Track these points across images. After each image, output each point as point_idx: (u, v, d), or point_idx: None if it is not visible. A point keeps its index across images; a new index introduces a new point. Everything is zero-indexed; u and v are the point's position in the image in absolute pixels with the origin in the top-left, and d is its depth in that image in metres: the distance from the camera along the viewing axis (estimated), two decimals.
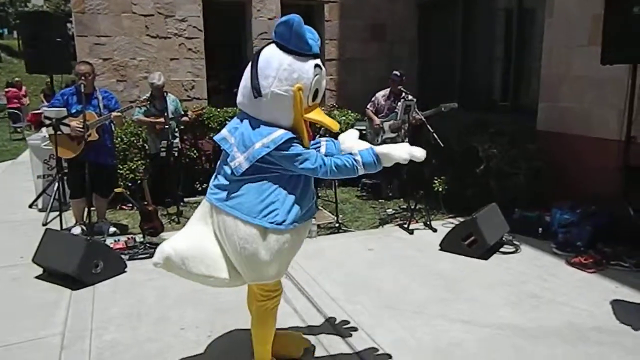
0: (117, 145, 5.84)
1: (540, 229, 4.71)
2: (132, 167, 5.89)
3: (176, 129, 5.80)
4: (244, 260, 2.24)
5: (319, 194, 6.38)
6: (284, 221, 2.20)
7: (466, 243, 4.28)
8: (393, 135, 5.91)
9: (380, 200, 6.20)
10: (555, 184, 5.13)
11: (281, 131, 2.16)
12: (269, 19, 7.38)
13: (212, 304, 3.34)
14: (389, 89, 6.05)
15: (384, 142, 5.97)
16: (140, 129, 5.99)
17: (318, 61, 2.20)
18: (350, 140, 2.48)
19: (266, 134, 2.16)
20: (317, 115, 2.26)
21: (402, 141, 5.93)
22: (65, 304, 3.44)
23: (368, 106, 6.16)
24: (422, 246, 4.58)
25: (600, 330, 3.05)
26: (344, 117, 7.13)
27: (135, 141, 6.00)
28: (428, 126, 5.27)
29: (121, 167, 5.85)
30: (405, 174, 5.99)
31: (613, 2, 4.05)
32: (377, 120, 5.97)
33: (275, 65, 2.13)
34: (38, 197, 5.90)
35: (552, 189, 5.13)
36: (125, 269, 3.93)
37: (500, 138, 5.43)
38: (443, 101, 6.87)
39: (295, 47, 2.13)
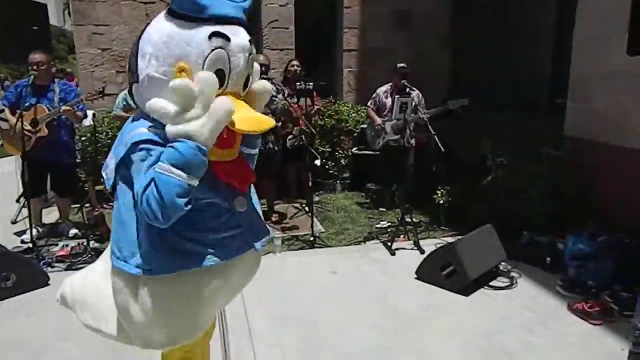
0: (101, 141, 5.58)
1: (548, 259, 3.82)
2: None
3: None
4: (120, 316, 1.66)
5: (318, 200, 5.80)
6: (153, 265, 1.53)
7: (444, 273, 3.52)
8: (396, 136, 5.16)
9: (381, 209, 5.49)
10: (580, 204, 4.19)
11: (143, 129, 1.48)
12: (281, 5, 6.84)
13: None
14: (390, 84, 5.30)
15: (386, 144, 5.26)
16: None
17: (223, 28, 1.45)
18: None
19: (130, 130, 1.51)
20: None
21: (407, 144, 5.20)
22: None
23: (368, 104, 5.46)
24: (399, 272, 3.85)
25: None
26: (354, 114, 6.45)
27: None
28: (430, 127, 4.52)
29: None
30: (408, 178, 5.25)
31: None
32: (378, 120, 5.24)
33: (154, 37, 1.47)
34: (22, 193, 5.77)
35: (575, 210, 4.20)
36: (49, 282, 3.55)
37: (515, 144, 4.54)
38: (478, 99, 6.03)
39: (178, 8, 1.45)
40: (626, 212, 3.81)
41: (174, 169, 1.39)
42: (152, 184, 1.40)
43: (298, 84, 4.68)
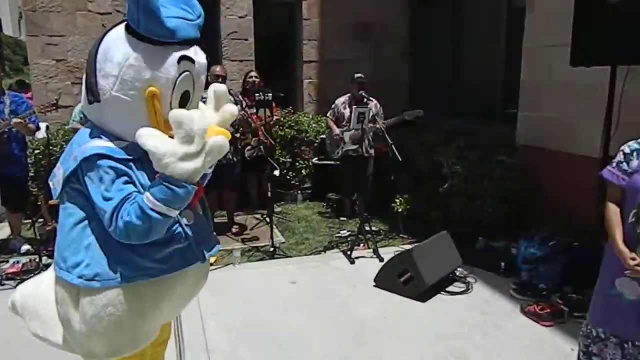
0: (55, 154, 5.41)
1: (502, 263, 3.93)
2: None
3: None
4: (62, 325, 1.66)
5: (280, 210, 5.79)
6: (96, 276, 1.53)
7: (401, 280, 3.57)
8: (354, 146, 5.22)
9: (342, 219, 5.52)
10: (532, 209, 4.34)
11: (97, 143, 1.49)
12: (240, 17, 6.85)
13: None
14: (349, 95, 5.36)
15: (345, 154, 5.31)
16: None
17: (188, 51, 1.52)
18: None
19: (84, 143, 1.52)
20: None
21: (366, 153, 5.26)
22: None
23: (328, 114, 5.51)
24: (358, 280, 3.88)
25: None
26: (315, 125, 6.50)
27: None
28: (387, 136, 4.59)
29: None
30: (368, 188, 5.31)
31: None
32: (336, 130, 5.30)
33: (118, 58, 1.46)
34: None
35: (528, 215, 4.34)
36: None
37: (469, 152, 4.67)
38: (436, 108, 6.17)
39: (146, 32, 1.44)
40: (575, 216, 3.95)
41: (164, 207, 1.42)
42: (140, 213, 1.41)
43: (257, 95, 4.68)
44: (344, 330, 3.11)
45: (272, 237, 4.47)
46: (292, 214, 5.76)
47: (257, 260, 4.32)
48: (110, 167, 1.46)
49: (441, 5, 6.86)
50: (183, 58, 1.50)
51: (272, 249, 4.42)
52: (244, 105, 4.88)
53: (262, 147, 4.86)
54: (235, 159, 4.80)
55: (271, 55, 7.26)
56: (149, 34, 1.45)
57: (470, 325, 3.18)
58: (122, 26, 1.51)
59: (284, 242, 4.76)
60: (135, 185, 1.49)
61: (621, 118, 3.45)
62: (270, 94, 4.73)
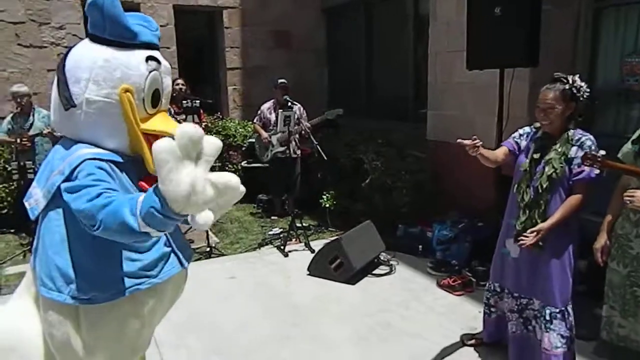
0: None
1: (420, 246, 4.40)
2: None
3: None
4: (58, 350, 1.63)
5: None
6: (89, 295, 1.54)
7: (332, 267, 3.91)
8: (282, 148, 5.52)
9: (273, 218, 5.80)
10: (443, 196, 4.86)
11: (85, 150, 1.51)
12: (161, 25, 6.91)
13: None
14: (273, 100, 5.66)
15: (274, 156, 5.59)
16: (2, 148, 5.41)
17: (153, 52, 1.61)
18: None
19: (67, 155, 1.52)
20: (161, 124, 1.59)
21: (293, 154, 5.56)
22: None
23: (255, 120, 5.77)
24: (293, 271, 4.18)
25: None
26: (241, 129, 6.73)
27: None
28: (312, 137, 4.94)
29: None
30: (298, 187, 5.64)
31: (474, 2, 3.80)
32: (264, 134, 5.57)
33: (87, 63, 1.53)
34: None
35: (439, 202, 4.86)
36: None
37: (387, 149, 5.13)
38: (352, 111, 6.61)
39: (112, 36, 1.53)
40: (476, 200, 4.50)
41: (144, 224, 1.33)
42: (118, 218, 1.35)
43: (185, 102, 4.84)
44: (283, 314, 3.40)
45: (207, 238, 4.65)
46: (224, 216, 5.93)
47: (195, 261, 4.48)
48: (100, 171, 1.47)
49: (353, 15, 7.33)
50: (150, 58, 1.59)
51: (208, 249, 4.61)
52: (172, 113, 5.02)
53: None
54: None
55: (194, 62, 7.40)
56: (116, 37, 1.54)
57: (395, 301, 3.58)
58: (85, 41, 1.61)
59: (219, 242, 4.96)
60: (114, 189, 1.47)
61: (510, 113, 4.01)
62: (198, 101, 4.92)
